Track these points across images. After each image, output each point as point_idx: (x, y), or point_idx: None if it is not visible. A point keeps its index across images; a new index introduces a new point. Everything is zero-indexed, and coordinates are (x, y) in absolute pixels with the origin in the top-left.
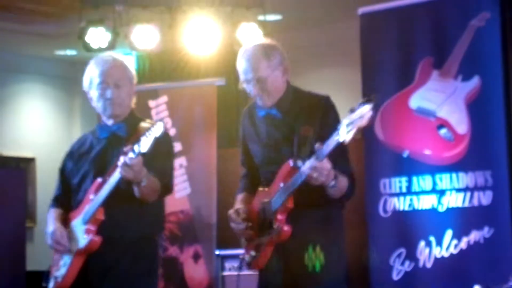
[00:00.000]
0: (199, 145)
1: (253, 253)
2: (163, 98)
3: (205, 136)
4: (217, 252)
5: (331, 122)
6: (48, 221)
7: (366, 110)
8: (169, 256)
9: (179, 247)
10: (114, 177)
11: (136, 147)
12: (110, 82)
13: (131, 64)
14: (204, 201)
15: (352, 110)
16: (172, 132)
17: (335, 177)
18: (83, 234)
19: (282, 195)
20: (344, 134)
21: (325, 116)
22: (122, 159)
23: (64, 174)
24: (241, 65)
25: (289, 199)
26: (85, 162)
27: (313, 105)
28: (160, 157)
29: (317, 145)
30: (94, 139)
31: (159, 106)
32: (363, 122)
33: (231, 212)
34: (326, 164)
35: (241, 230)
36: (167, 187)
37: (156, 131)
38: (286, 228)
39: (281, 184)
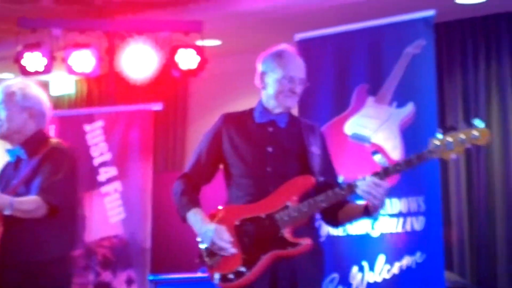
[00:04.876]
0: (135, 170)
1: (242, 269)
2: (99, 123)
3: (141, 161)
4: (150, 278)
5: (328, 147)
6: None
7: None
8: (102, 282)
9: (112, 272)
10: None
11: None
12: None
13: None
14: (138, 226)
15: (454, 128)
16: (107, 157)
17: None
18: None
19: (300, 209)
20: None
21: (323, 140)
22: None
23: None
24: (288, 60)
25: (311, 214)
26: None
27: (310, 127)
28: (44, 175)
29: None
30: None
31: (94, 130)
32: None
33: (217, 228)
34: (387, 185)
35: (224, 248)
36: (53, 205)
37: None
38: (310, 242)
39: (294, 198)
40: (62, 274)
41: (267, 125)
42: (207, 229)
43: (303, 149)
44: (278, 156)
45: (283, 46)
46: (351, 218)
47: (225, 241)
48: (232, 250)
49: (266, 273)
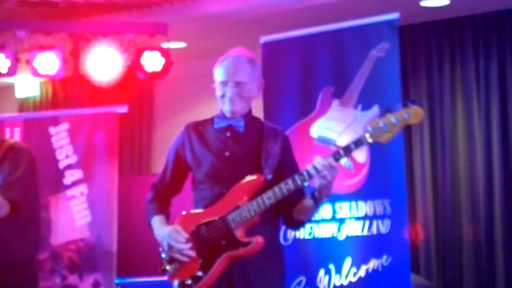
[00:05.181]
0: (101, 172)
1: (199, 273)
2: (64, 125)
3: (107, 163)
4: (117, 281)
5: (291, 150)
6: None
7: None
8: (68, 285)
9: (79, 275)
10: None
11: None
12: None
13: None
14: (105, 229)
15: (389, 110)
16: (73, 159)
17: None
18: None
19: (250, 208)
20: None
21: (286, 143)
22: None
23: None
24: (224, 65)
25: (260, 212)
26: None
27: (273, 131)
28: (3, 174)
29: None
30: None
31: (59, 133)
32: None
33: (171, 230)
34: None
35: (182, 250)
36: (13, 202)
37: None
38: (260, 240)
39: (245, 197)
40: (28, 277)
41: (225, 130)
42: (164, 234)
43: (260, 151)
44: (235, 160)
45: (232, 50)
46: (304, 212)
47: (180, 241)
48: (189, 252)
49: (222, 275)
